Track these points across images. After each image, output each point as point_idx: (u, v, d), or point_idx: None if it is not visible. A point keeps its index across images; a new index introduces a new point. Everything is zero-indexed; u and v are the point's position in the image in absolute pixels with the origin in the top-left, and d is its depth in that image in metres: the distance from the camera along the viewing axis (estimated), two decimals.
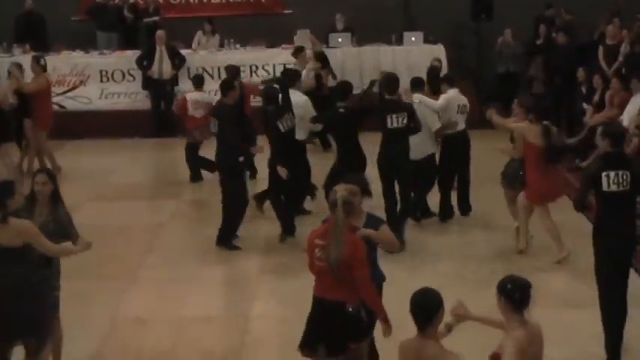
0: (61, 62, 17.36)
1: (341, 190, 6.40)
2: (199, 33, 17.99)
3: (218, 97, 13.55)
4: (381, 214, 7.91)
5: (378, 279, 6.76)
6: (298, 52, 14.89)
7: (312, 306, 6.55)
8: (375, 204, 8.57)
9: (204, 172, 13.45)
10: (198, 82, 14.03)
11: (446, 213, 11.37)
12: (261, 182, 12.08)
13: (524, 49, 17.53)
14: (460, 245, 10.65)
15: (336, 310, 6.35)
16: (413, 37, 17.49)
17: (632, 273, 7.93)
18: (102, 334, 8.40)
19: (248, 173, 12.06)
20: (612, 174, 7.29)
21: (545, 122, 9.72)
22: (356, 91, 15.42)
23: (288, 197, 11.03)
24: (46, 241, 6.65)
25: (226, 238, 10.66)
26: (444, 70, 14.42)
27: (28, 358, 6.92)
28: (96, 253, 7.12)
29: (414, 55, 16.98)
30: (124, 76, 17.46)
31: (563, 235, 9.94)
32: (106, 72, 17.47)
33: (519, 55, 17.57)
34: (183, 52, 17.27)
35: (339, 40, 17.48)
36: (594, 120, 13.33)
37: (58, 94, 16.87)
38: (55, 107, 16.18)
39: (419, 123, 10.44)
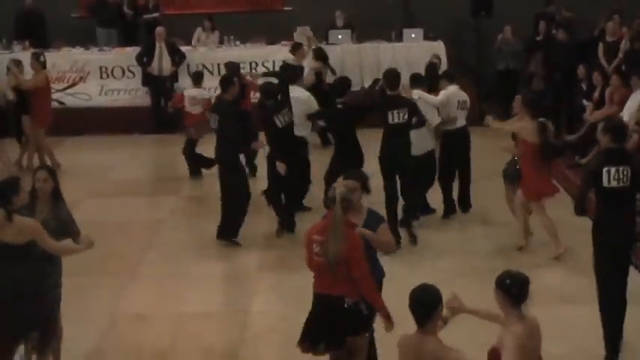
0: (61, 59, 17.35)
1: (340, 186, 6.39)
2: (199, 29, 17.98)
3: (216, 94, 13.65)
4: (382, 210, 7.89)
5: (378, 275, 6.76)
6: (296, 48, 14.89)
7: (313, 302, 6.56)
8: (376, 200, 8.56)
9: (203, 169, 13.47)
10: (197, 78, 14.03)
11: (448, 210, 11.37)
12: (261, 180, 12.05)
13: (524, 45, 17.51)
14: (460, 241, 10.65)
15: (336, 305, 6.35)
16: (413, 34, 17.47)
17: (632, 270, 7.93)
18: (101, 331, 8.41)
19: (247, 170, 12.04)
20: (613, 170, 7.29)
21: (541, 119, 9.72)
22: (355, 87, 15.51)
23: (288, 193, 11.03)
24: (50, 239, 6.66)
25: (228, 233, 10.66)
26: (444, 67, 14.41)
27: (34, 356, 6.94)
28: (95, 249, 7.11)
29: (414, 51, 16.96)
30: (123, 72, 17.45)
31: (562, 232, 9.95)
32: (106, 68, 17.46)
33: (519, 51, 17.55)
34: (183, 48, 17.25)
35: (339, 36, 17.47)
36: (594, 117, 13.32)
37: (57, 91, 16.84)
38: (55, 104, 16.16)
39: (422, 117, 10.46)
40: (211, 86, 14.92)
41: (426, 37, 17.47)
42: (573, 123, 14.90)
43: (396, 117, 10.17)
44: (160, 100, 16.61)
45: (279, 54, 16.88)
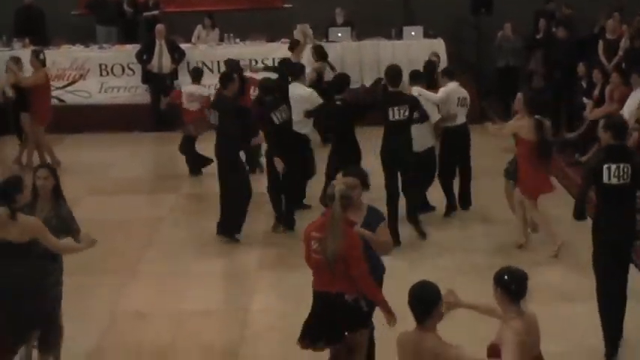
0: (61, 56, 17.34)
1: (339, 183, 6.39)
2: (199, 27, 17.97)
3: (213, 90, 13.64)
4: (382, 207, 7.88)
5: (379, 271, 6.77)
6: (295, 45, 14.90)
7: (313, 300, 6.56)
8: (376, 197, 8.55)
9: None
10: (196, 75, 14.00)
11: (449, 207, 11.36)
12: (263, 177, 12.04)
13: (524, 43, 17.50)
14: (460, 239, 10.65)
15: (336, 302, 6.36)
16: (413, 32, 17.46)
17: (632, 268, 7.93)
18: (101, 329, 8.41)
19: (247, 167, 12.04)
20: (613, 167, 7.29)
21: (537, 117, 9.73)
22: (355, 85, 15.52)
23: (288, 191, 11.03)
24: (52, 238, 6.67)
25: (230, 230, 10.65)
26: (443, 65, 14.39)
27: (43, 355, 6.95)
28: (95, 247, 7.11)
29: (414, 49, 16.93)
30: (123, 70, 17.45)
31: (561, 230, 9.95)
32: (106, 66, 17.45)
33: (519, 49, 17.54)
34: (183, 46, 17.25)
35: (339, 34, 17.46)
36: (594, 114, 13.32)
37: (57, 88, 16.85)
38: (55, 101, 16.17)
39: (424, 112, 10.47)
40: (211, 84, 14.91)
41: (426, 35, 17.45)
42: (573, 121, 14.91)
43: (396, 114, 10.17)
44: (160, 98, 16.59)
45: (279, 51, 16.85)
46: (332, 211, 6.27)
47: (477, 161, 11.65)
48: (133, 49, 17.26)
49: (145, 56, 16.87)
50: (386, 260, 6.98)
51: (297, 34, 16.49)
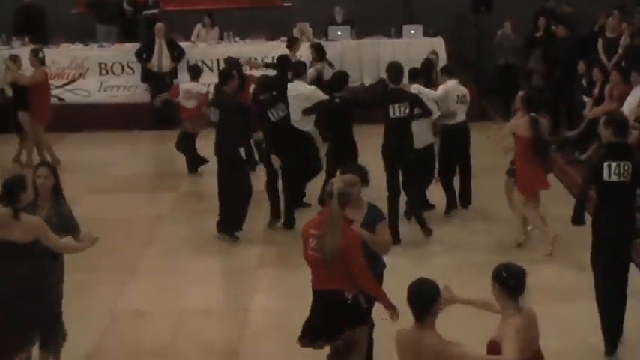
0: (61, 55, 17.35)
1: (337, 181, 6.40)
2: (199, 26, 17.98)
3: (209, 87, 13.64)
4: (382, 205, 7.87)
5: (379, 267, 6.77)
6: (292, 43, 14.90)
7: (313, 299, 6.56)
8: (377, 195, 8.56)
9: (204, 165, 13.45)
10: (194, 72, 13.98)
11: (450, 206, 11.35)
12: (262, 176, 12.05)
13: (523, 41, 17.50)
14: (460, 237, 10.65)
15: (336, 300, 6.36)
16: (412, 30, 17.47)
17: (632, 267, 7.93)
18: (101, 327, 8.41)
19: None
20: (614, 164, 7.29)
21: (532, 114, 9.76)
22: (355, 83, 15.51)
23: (288, 190, 11.03)
24: (55, 237, 6.68)
25: (230, 227, 10.64)
26: (443, 63, 14.38)
27: (44, 354, 6.94)
28: (95, 245, 7.12)
29: (414, 47, 16.93)
30: (123, 68, 17.46)
31: (561, 228, 9.94)
32: (106, 65, 17.47)
33: (519, 47, 17.53)
34: (183, 44, 17.26)
35: (339, 32, 17.47)
36: (593, 113, 13.32)
37: (57, 87, 16.87)
38: (55, 100, 16.19)
39: (427, 108, 10.48)
40: (211, 82, 14.89)
41: (426, 34, 17.47)
42: (573, 119, 14.90)
43: (397, 111, 10.18)
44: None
45: (278, 50, 16.76)
46: (330, 208, 6.27)
47: (477, 159, 11.65)
48: (132, 47, 17.27)
49: (144, 55, 16.88)
50: (386, 258, 6.97)
51: (296, 32, 16.51)
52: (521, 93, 10.27)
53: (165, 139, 15.33)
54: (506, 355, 4.98)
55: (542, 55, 16.80)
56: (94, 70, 17.43)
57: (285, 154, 10.78)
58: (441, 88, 11.11)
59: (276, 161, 10.64)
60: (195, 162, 13.58)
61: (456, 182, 11.47)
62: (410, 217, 10.87)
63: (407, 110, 10.19)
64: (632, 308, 7.66)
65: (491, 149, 11.59)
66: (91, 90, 17.37)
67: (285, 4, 19.38)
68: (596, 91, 13.88)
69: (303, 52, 15.32)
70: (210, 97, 12.71)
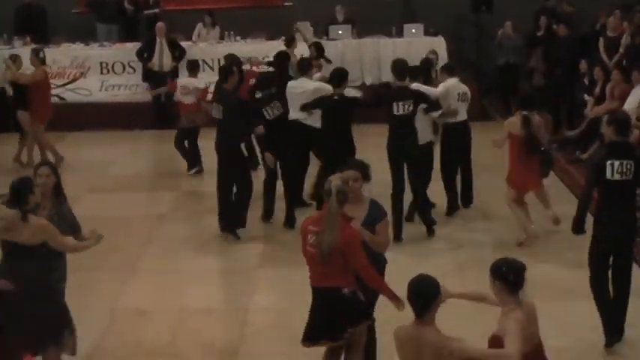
0: (62, 54, 17.36)
1: (336, 179, 6.40)
2: (199, 25, 17.99)
3: (211, 86, 13.61)
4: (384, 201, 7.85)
5: (380, 263, 6.77)
6: (291, 42, 14.91)
7: (312, 297, 6.56)
8: (378, 193, 8.55)
9: (204, 164, 13.42)
10: (192, 68, 13.94)
11: (451, 207, 11.33)
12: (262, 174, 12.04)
13: (524, 40, 17.49)
14: (461, 235, 10.65)
15: (334, 297, 6.36)
16: (413, 30, 17.47)
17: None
18: (101, 326, 8.40)
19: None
20: (617, 163, 7.31)
21: (525, 112, 9.79)
22: (355, 83, 15.50)
23: (288, 189, 11.01)
24: (62, 238, 6.68)
25: (232, 226, 10.63)
26: (443, 62, 14.36)
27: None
28: (96, 244, 7.13)
29: (415, 47, 16.90)
30: (124, 68, 17.47)
31: (562, 227, 9.95)
32: (106, 64, 17.48)
33: (520, 46, 17.52)
34: (184, 44, 17.25)
35: (339, 32, 17.48)
36: (595, 112, 13.32)
37: (58, 86, 16.89)
38: (56, 99, 16.20)
39: (432, 102, 10.51)
40: (212, 81, 14.88)
41: (427, 33, 17.47)
42: (574, 118, 14.90)
43: (401, 108, 10.19)
44: (161, 96, 16.60)
45: (279, 49, 16.84)
46: (328, 206, 6.27)
47: (477, 158, 11.64)
48: (133, 47, 17.28)
49: (145, 54, 16.87)
50: (387, 255, 6.99)
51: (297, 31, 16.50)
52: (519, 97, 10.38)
53: (166, 139, 15.31)
54: (509, 349, 4.98)
55: (543, 54, 16.79)
56: (95, 70, 17.44)
57: (284, 153, 10.77)
58: (442, 86, 11.11)
59: (270, 159, 10.63)
60: (194, 158, 13.54)
61: (457, 181, 11.45)
62: (411, 219, 10.85)
63: (410, 108, 10.21)
64: (635, 307, 7.66)
65: (492, 148, 11.57)
66: (92, 89, 17.38)
67: (286, 4, 19.40)
68: (597, 90, 13.87)
69: (302, 51, 15.28)
70: (210, 93, 12.69)
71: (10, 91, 14.62)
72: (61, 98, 16.99)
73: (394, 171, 10.34)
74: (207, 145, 12.27)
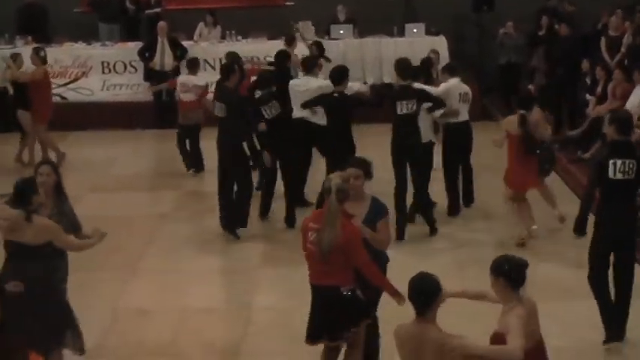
0: (63, 54, 17.37)
1: (336, 177, 6.41)
2: (201, 25, 17.98)
3: (203, 81, 13.63)
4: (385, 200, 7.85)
5: (382, 260, 6.78)
6: (291, 41, 14.91)
7: (312, 295, 6.57)
8: (381, 191, 8.54)
9: (205, 163, 13.42)
10: (191, 65, 13.93)
11: (453, 209, 11.30)
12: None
13: (526, 40, 17.48)
14: (462, 235, 10.66)
15: (333, 296, 6.37)
16: (415, 29, 17.46)
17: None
18: (103, 326, 8.39)
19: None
20: (619, 162, 7.32)
21: (521, 112, 9.83)
22: (357, 82, 15.48)
23: (288, 188, 11.01)
24: (67, 237, 6.69)
25: (234, 224, 10.62)
26: (444, 62, 14.35)
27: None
28: (97, 244, 7.13)
29: (416, 46, 16.89)
30: (125, 67, 17.48)
31: (563, 227, 9.96)
32: (108, 63, 17.49)
33: (521, 46, 17.52)
34: (185, 43, 17.24)
35: (341, 31, 17.47)
36: (596, 111, 13.32)
37: (59, 86, 16.90)
38: (57, 99, 16.20)
39: (436, 99, 10.51)
40: (213, 81, 14.87)
41: (428, 32, 17.47)
42: (576, 117, 14.89)
43: (404, 107, 10.20)
44: (162, 95, 16.62)
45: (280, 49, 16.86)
46: (328, 204, 6.28)
47: (478, 158, 11.65)
48: (135, 46, 17.28)
49: (147, 54, 16.87)
50: (389, 254, 7.01)
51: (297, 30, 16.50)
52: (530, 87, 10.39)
53: (168, 138, 15.32)
54: (512, 345, 4.98)
55: (544, 53, 16.77)
56: (97, 69, 17.44)
57: (284, 152, 10.77)
58: (443, 86, 11.11)
59: (267, 157, 10.64)
60: (196, 158, 13.54)
61: (459, 182, 11.46)
62: (412, 219, 10.85)
63: (414, 107, 10.22)
64: (636, 307, 7.66)
65: (493, 147, 11.57)
66: (93, 89, 17.38)
67: (288, 3, 19.39)
68: (599, 89, 13.87)
69: (303, 50, 15.30)
70: (210, 93, 12.68)
71: (11, 90, 14.60)
72: (63, 98, 16.99)
73: (397, 170, 10.35)
74: (208, 144, 12.28)
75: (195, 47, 17.34)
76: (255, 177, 11.31)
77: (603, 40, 15.46)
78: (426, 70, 11.72)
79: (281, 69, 11.87)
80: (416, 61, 11.67)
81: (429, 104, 10.48)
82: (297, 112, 11.13)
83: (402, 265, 7.48)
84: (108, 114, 16.86)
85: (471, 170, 11.46)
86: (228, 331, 8.36)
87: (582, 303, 8.01)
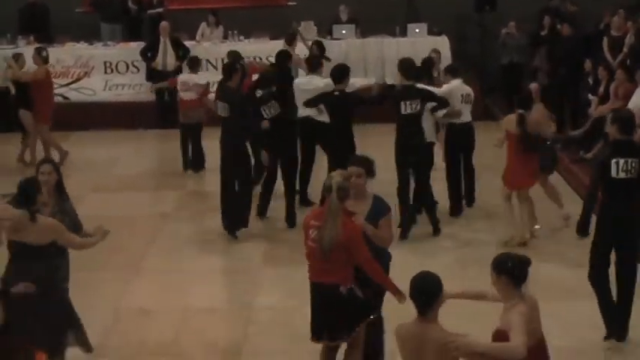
0: (65, 54, 17.39)
1: (337, 175, 6.41)
2: (203, 24, 18.00)
3: (204, 80, 13.63)
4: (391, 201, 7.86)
5: (385, 257, 6.79)
6: (291, 40, 14.92)
7: (310, 292, 6.57)
8: (378, 190, 8.53)
9: (206, 162, 13.43)
10: (192, 64, 13.94)
11: (455, 209, 11.30)
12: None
13: (528, 40, 17.48)
14: (464, 234, 10.67)
15: (332, 294, 6.37)
16: (417, 29, 17.48)
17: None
18: (105, 326, 8.40)
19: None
20: (622, 161, 7.35)
21: (520, 111, 9.84)
22: (358, 82, 15.47)
23: (288, 187, 11.01)
24: (71, 236, 6.70)
25: (235, 225, 10.63)
26: (447, 62, 14.37)
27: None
28: (99, 243, 7.15)
29: (418, 46, 16.89)
30: (127, 67, 17.50)
31: (564, 227, 9.96)
32: (110, 63, 17.51)
33: (523, 46, 17.51)
34: (187, 43, 17.25)
35: (343, 31, 17.48)
36: (599, 111, 13.31)
37: (62, 86, 16.92)
38: (59, 99, 16.22)
39: (440, 99, 10.52)
40: (215, 80, 14.89)
41: (430, 32, 17.48)
42: (578, 117, 14.88)
43: (408, 107, 10.21)
44: (164, 95, 16.62)
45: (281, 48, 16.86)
46: (329, 202, 6.28)
47: (480, 158, 11.64)
48: (137, 46, 17.30)
49: (149, 54, 16.88)
50: (391, 253, 6.99)
51: (301, 31, 16.49)
52: (533, 85, 10.38)
53: (170, 138, 15.33)
54: (514, 342, 4.98)
55: (547, 53, 16.76)
56: (99, 69, 17.46)
57: (284, 152, 10.77)
58: (445, 87, 11.12)
59: (264, 157, 10.63)
60: (199, 158, 13.54)
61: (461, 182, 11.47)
62: (413, 220, 10.84)
63: (418, 107, 10.23)
64: (636, 307, 7.66)
65: (495, 148, 11.57)
66: (95, 89, 17.40)
67: (290, 3, 19.39)
68: (601, 89, 13.86)
69: (303, 49, 15.30)
70: (212, 92, 12.69)
71: (13, 90, 14.60)
72: (65, 98, 17.02)
73: (400, 170, 10.36)
74: (210, 144, 12.28)
75: (197, 47, 17.35)
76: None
77: (606, 40, 15.44)
78: (427, 69, 11.72)
79: (282, 69, 11.86)
80: (418, 62, 11.66)
81: (433, 104, 10.50)
82: (303, 111, 11.13)
83: (405, 264, 7.50)
84: (110, 114, 16.87)
85: (473, 170, 11.47)
86: (229, 331, 8.37)
87: (584, 303, 8.01)
